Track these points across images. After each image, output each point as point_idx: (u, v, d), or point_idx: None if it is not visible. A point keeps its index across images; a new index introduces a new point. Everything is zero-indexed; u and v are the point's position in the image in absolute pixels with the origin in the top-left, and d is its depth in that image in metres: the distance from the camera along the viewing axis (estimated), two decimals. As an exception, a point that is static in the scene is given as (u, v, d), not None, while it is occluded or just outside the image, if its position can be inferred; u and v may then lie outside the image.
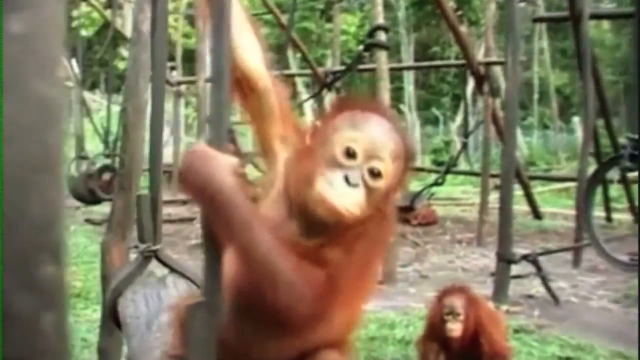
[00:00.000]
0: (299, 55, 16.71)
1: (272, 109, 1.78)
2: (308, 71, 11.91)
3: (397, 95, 25.10)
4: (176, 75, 15.11)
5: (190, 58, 14.96)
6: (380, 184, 1.60)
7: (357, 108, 1.70)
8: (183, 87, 14.20)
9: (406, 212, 10.41)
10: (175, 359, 1.76)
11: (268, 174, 1.80)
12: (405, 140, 1.69)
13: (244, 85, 1.75)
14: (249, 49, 1.76)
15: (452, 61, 16.50)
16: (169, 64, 23.10)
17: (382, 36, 6.66)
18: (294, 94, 21.11)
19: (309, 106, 19.94)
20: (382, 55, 6.61)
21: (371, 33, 6.74)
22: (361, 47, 7.81)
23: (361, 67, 10.27)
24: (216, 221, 1.48)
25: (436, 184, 10.66)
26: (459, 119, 22.58)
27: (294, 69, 17.42)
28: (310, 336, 1.60)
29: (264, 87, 1.76)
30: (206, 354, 1.48)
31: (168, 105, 17.75)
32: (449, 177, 11.98)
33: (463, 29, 11.16)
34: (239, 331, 1.62)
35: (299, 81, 22.44)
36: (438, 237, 9.64)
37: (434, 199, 11.91)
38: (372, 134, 1.62)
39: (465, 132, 11.14)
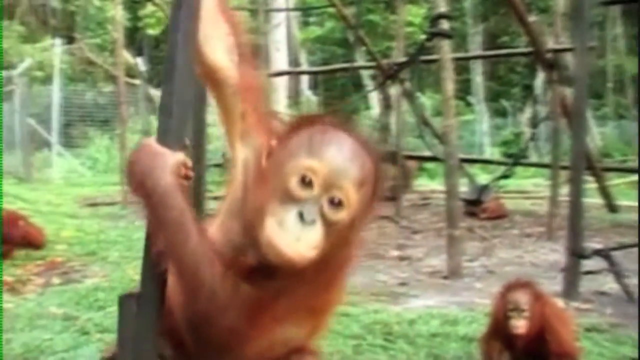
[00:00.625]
0: (364, 48, 16.57)
1: (233, 102, 1.71)
2: (373, 64, 11.76)
3: (465, 87, 24.69)
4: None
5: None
6: (343, 215, 1.47)
7: (316, 128, 1.55)
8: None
9: (474, 205, 10.20)
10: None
11: (231, 173, 1.73)
12: (373, 161, 1.55)
13: (210, 78, 1.72)
14: (216, 41, 1.71)
15: (519, 49, 16.01)
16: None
17: (445, 25, 6.49)
18: (359, 87, 21.09)
19: (375, 99, 19.93)
20: (445, 44, 6.44)
21: (434, 22, 6.59)
22: (424, 37, 7.67)
23: (426, 58, 10.09)
24: (150, 218, 1.43)
25: (505, 176, 10.41)
26: (529, 110, 22.01)
27: (359, 63, 17.29)
28: (243, 347, 1.52)
29: (229, 81, 1.71)
30: (135, 346, 1.46)
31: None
32: (519, 169, 11.68)
33: (532, 17, 10.79)
34: (188, 335, 1.58)
35: (364, 74, 22.35)
36: (507, 231, 9.38)
37: (503, 191, 11.65)
38: (331, 160, 1.47)
39: (534, 123, 10.85)
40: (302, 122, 1.61)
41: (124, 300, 1.50)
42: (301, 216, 1.43)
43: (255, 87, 1.76)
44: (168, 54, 1.60)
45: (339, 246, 1.51)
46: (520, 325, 3.40)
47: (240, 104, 1.71)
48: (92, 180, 17.62)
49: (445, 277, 6.44)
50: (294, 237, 1.42)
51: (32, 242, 7.47)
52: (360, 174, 1.48)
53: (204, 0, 1.65)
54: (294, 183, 1.44)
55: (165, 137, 1.52)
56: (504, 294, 3.53)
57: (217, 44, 1.71)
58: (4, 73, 20.58)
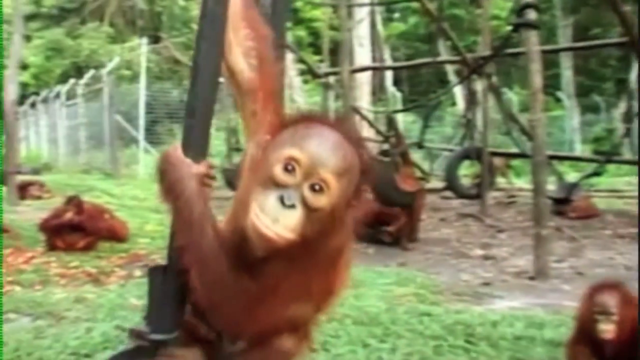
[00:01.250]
0: (448, 43, 16.25)
1: (247, 101, 1.92)
2: (457, 58, 11.50)
3: (554, 82, 23.93)
4: (323, 67, 15.17)
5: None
6: (323, 201, 1.58)
7: (303, 123, 1.70)
8: (332, 79, 14.19)
9: (562, 204, 9.83)
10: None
11: (247, 154, 1.92)
12: (357, 153, 1.67)
13: (229, 79, 1.94)
14: (235, 46, 1.92)
15: (611, 40, 15.29)
16: (317, 57, 23.35)
17: (532, 15, 6.22)
18: (444, 83, 20.74)
19: (460, 95, 19.56)
20: (532, 35, 6.18)
21: (520, 12, 6.32)
22: (509, 28, 7.40)
23: (512, 50, 9.77)
24: (176, 217, 1.68)
25: (595, 174, 9.99)
26: (622, 105, 21.11)
27: (444, 57, 16.99)
28: (248, 328, 1.73)
29: (244, 82, 1.91)
30: (162, 313, 1.72)
31: (316, 98, 17.97)
32: (611, 167, 11.19)
33: (627, 6, 10.29)
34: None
35: (449, 70, 21.99)
36: (597, 231, 8.97)
37: (594, 190, 11.19)
38: (312, 150, 1.59)
39: (628, 118, 10.35)
40: (294, 119, 1.77)
41: (153, 271, 1.78)
42: (282, 200, 1.56)
43: (268, 89, 1.92)
44: (193, 60, 1.85)
45: (325, 232, 1.63)
46: (608, 329, 3.17)
47: (252, 104, 1.90)
48: (177, 176, 17.96)
49: (531, 278, 6.21)
50: (272, 219, 1.56)
51: (116, 235, 7.66)
52: (340, 164, 1.60)
53: (230, 7, 1.87)
54: (277, 170, 1.58)
55: (189, 136, 1.77)
56: (591, 295, 3.29)
57: (236, 48, 1.91)
58: (94, 72, 21.32)
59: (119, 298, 5.22)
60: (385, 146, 8.63)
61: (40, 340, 4.20)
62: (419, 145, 8.44)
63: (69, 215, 7.08)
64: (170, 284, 1.73)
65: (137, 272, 6.36)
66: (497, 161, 13.97)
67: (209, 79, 1.83)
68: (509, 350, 3.94)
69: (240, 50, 1.92)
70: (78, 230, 7.12)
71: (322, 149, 1.60)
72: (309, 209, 1.57)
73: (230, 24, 1.89)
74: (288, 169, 1.57)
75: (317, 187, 1.57)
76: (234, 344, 1.80)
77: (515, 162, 15.83)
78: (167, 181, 1.67)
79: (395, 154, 8.31)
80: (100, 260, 6.82)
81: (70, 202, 7.29)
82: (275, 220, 1.55)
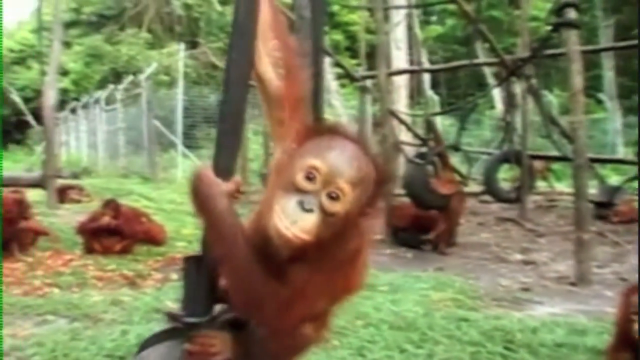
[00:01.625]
0: (486, 45, 16.05)
1: (275, 110, 2.01)
2: (495, 60, 11.33)
3: (596, 83, 23.50)
4: (361, 71, 15.10)
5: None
6: (338, 207, 1.71)
7: (325, 135, 1.84)
8: (369, 83, 14.10)
9: (604, 208, 9.61)
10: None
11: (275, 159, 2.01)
12: (372, 165, 1.80)
13: (259, 87, 2.03)
14: (264, 56, 2.01)
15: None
16: (354, 61, 23.30)
17: (572, 14, 6.09)
18: (482, 87, 20.50)
19: (498, 97, 19.32)
20: (572, 35, 6.04)
21: (559, 11, 6.19)
22: (548, 28, 7.25)
23: (552, 52, 9.60)
24: (209, 231, 1.79)
25: (638, 177, 9.70)
26: (666, 106, 20.64)
27: (482, 59, 16.79)
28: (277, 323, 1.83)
29: (272, 91, 2.00)
30: (196, 298, 1.86)
31: (353, 102, 17.91)
32: (656, 170, 10.88)
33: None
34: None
35: (487, 73, 21.74)
36: (641, 236, 8.73)
37: (638, 194, 10.90)
38: (331, 161, 1.73)
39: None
40: (318, 130, 1.90)
41: (188, 260, 1.90)
42: (302, 205, 1.70)
43: (294, 99, 2.02)
44: (225, 68, 1.94)
45: (340, 235, 1.76)
46: None
47: (279, 112, 2.00)
48: (215, 180, 18.04)
49: (572, 284, 6.08)
50: (292, 221, 1.69)
51: (153, 238, 7.70)
52: (356, 175, 1.74)
53: (259, 17, 1.98)
54: (299, 177, 1.71)
55: (222, 141, 1.90)
56: (626, 297, 3.19)
57: (265, 58, 2.00)
58: (132, 78, 21.57)
59: (155, 301, 5.24)
60: (423, 149, 8.54)
61: (76, 342, 4.23)
62: (455, 148, 8.33)
63: (106, 219, 7.14)
64: (203, 274, 1.87)
65: (174, 276, 6.37)
66: (538, 165, 13.74)
67: (240, 87, 1.94)
68: (549, 358, 3.85)
69: (269, 60, 2.02)
70: (115, 233, 7.17)
71: (340, 160, 1.74)
72: (325, 213, 1.71)
73: (260, 34, 1.99)
74: (309, 177, 1.71)
75: (333, 195, 1.71)
76: (260, 330, 1.92)
77: (556, 166, 15.56)
78: (200, 199, 1.79)
79: (432, 156, 8.23)
80: (137, 263, 6.86)
81: (107, 205, 7.34)
82: (294, 222, 1.69)
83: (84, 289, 5.79)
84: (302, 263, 1.78)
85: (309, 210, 1.70)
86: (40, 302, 5.24)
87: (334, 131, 1.88)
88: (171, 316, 1.93)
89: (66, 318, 4.91)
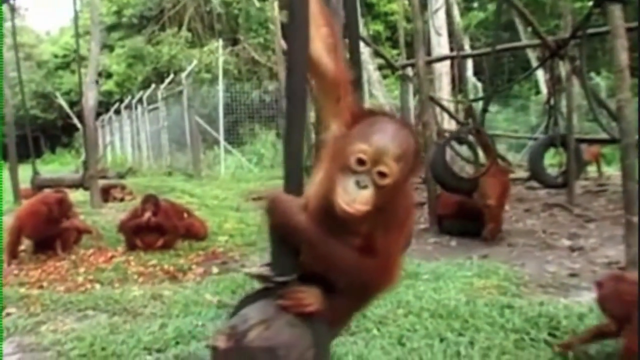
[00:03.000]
0: (530, 29, 15.67)
1: (331, 89, 2.24)
2: (537, 42, 11.03)
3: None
4: (401, 59, 14.92)
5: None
6: (387, 181, 2.02)
7: (369, 119, 2.12)
8: (410, 72, 13.90)
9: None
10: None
11: (322, 147, 2.27)
12: (410, 140, 2.09)
13: (314, 70, 2.24)
14: (318, 41, 2.24)
15: None
16: (395, 51, 23.06)
17: (615, -13, 5.84)
18: (527, 70, 20.05)
19: (541, 78, 18.85)
20: (615, 9, 5.80)
21: (602, -15, 5.94)
22: (591, 4, 7.00)
23: (597, 30, 9.30)
24: (292, 239, 2.11)
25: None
26: None
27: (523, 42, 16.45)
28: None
29: (329, 72, 2.25)
30: (283, 260, 2.15)
31: (396, 92, 17.72)
32: None
33: None
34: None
35: (532, 58, 21.28)
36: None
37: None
38: (377, 145, 2.02)
39: None
40: (362, 115, 2.18)
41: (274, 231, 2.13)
42: (357, 183, 2.02)
43: (348, 79, 2.29)
44: (288, 54, 2.24)
45: (389, 200, 2.08)
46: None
47: (336, 91, 2.24)
48: (258, 175, 18.15)
49: (622, 269, 5.83)
50: (351, 198, 2.01)
51: (195, 233, 7.72)
52: (398, 151, 2.04)
53: (310, 8, 2.21)
54: (352, 161, 2.02)
55: (291, 121, 2.18)
56: (601, 287, 3.44)
57: (320, 44, 2.24)
58: (174, 76, 21.75)
59: (195, 294, 5.23)
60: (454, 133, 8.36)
61: (115, 336, 4.26)
62: (477, 131, 8.07)
63: (145, 216, 7.17)
64: (288, 241, 2.13)
65: (215, 269, 6.37)
66: (590, 150, 13.39)
67: (302, 69, 2.18)
68: (597, 344, 3.66)
69: (324, 44, 2.25)
70: (156, 229, 7.19)
71: (383, 141, 2.03)
72: (377, 187, 2.02)
73: (312, 22, 2.22)
74: (360, 160, 2.00)
75: (382, 172, 2.01)
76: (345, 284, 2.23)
77: (607, 150, 15.14)
78: (277, 219, 2.11)
79: (464, 137, 8.12)
80: (178, 258, 6.88)
81: (146, 201, 7.37)
82: (354, 200, 2.00)
83: (125, 284, 5.83)
84: (366, 227, 2.12)
85: (364, 187, 2.01)
86: (82, 298, 5.29)
87: (376, 114, 2.18)
88: (262, 277, 2.20)
89: (106, 313, 4.95)
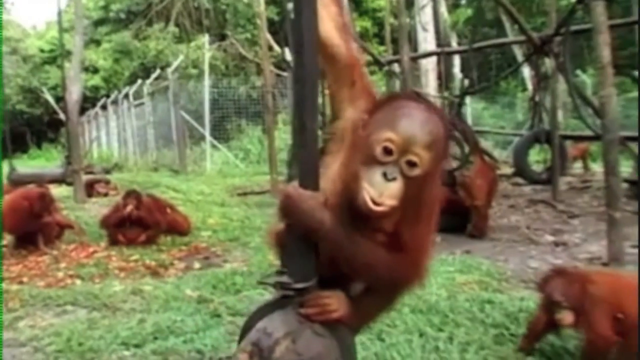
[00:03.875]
0: (516, 26, 15.72)
1: (344, 72, 2.07)
2: (522, 38, 11.06)
3: (632, 61, 22.87)
4: (386, 56, 14.91)
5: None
6: (418, 171, 1.85)
7: (394, 105, 1.95)
8: (396, 67, 13.89)
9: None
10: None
11: (338, 133, 2.07)
12: (439, 126, 1.91)
13: (325, 52, 2.05)
14: (329, 22, 2.06)
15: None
16: (382, 47, 23.07)
17: (597, -16, 5.85)
18: (511, 64, 20.13)
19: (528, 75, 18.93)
20: (598, 5, 5.81)
21: (585, -18, 5.96)
22: (574, 0, 7.02)
23: (581, 27, 9.33)
24: (322, 241, 1.92)
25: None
26: None
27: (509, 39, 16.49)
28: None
29: (341, 54, 2.07)
30: (302, 265, 1.96)
31: (384, 89, 17.69)
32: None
33: None
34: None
35: (519, 55, 21.34)
36: (681, 214, 8.44)
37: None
38: (405, 132, 1.85)
39: None
40: (385, 99, 2.02)
41: (290, 231, 1.95)
42: (385, 175, 1.84)
43: (360, 61, 2.14)
44: (296, 34, 1.98)
45: (419, 190, 1.90)
46: (564, 317, 3.32)
47: (350, 74, 2.07)
48: (244, 171, 18.13)
49: (604, 264, 5.86)
50: (378, 192, 1.83)
51: (177, 228, 7.69)
52: (428, 139, 1.86)
53: None
54: (378, 151, 1.85)
55: (303, 101, 1.97)
56: (543, 286, 3.47)
57: (330, 23, 2.07)
58: (160, 72, 21.67)
59: (175, 290, 5.21)
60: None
61: (92, 331, 4.24)
62: (453, 125, 8.06)
63: (127, 209, 7.13)
64: (306, 242, 1.94)
65: (197, 264, 6.35)
66: (578, 147, 13.46)
67: (313, 55, 1.97)
68: (576, 339, 3.66)
69: (334, 25, 2.09)
70: (138, 224, 7.15)
71: (412, 128, 1.85)
72: (407, 178, 1.85)
73: (322, 1, 2.05)
74: (387, 150, 1.83)
75: (412, 162, 1.84)
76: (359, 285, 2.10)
77: (594, 147, 15.20)
78: (297, 216, 1.91)
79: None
80: (160, 253, 6.86)
81: (128, 196, 7.34)
82: (381, 194, 1.83)
83: (106, 279, 5.80)
84: (393, 221, 1.95)
85: (393, 179, 1.84)
86: (61, 293, 5.25)
87: (400, 97, 2.02)
88: (281, 285, 2.00)
89: (85, 308, 4.91)
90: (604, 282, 3.36)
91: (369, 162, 1.87)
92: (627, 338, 3.21)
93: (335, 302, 2.00)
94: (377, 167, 1.86)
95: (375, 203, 1.84)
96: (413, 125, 1.87)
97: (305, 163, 1.97)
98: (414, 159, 1.84)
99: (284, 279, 1.98)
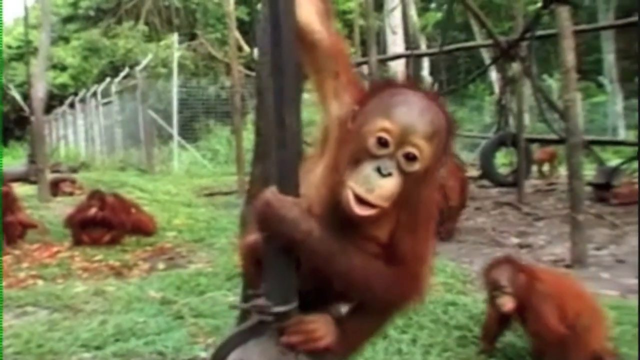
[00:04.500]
0: (484, 30, 15.86)
1: (327, 62, 1.83)
2: (489, 42, 11.18)
3: (597, 67, 23.30)
4: (354, 58, 14.92)
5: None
6: (417, 166, 1.62)
7: (388, 91, 1.71)
8: (364, 69, 13.91)
9: (603, 190, 9.46)
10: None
11: (321, 132, 1.85)
12: (441, 114, 1.69)
13: (304, 40, 1.82)
14: (308, 6, 1.83)
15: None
16: (353, 49, 23.10)
17: (563, -10, 5.96)
18: (482, 73, 20.36)
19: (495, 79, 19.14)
20: (563, 11, 5.90)
21: (550, -13, 6.06)
22: (539, 5, 7.12)
23: (546, 33, 9.45)
24: (308, 255, 1.66)
25: (637, 157, 9.53)
26: (667, 88, 20.43)
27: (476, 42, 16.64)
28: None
29: (322, 42, 1.83)
30: (281, 286, 1.70)
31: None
32: (658, 151, 10.67)
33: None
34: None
35: (487, 58, 21.56)
36: (640, 217, 8.56)
37: (638, 175, 10.74)
38: (403, 121, 1.62)
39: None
40: (377, 87, 1.77)
41: (268, 248, 1.69)
42: (379, 170, 1.59)
43: (344, 50, 1.90)
44: (272, 19, 1.72)
45: (417, 190, 1.68)
46: (505, 302, 3.34)
47: (333, 64, 1.82)
48: (212, 171, 18.07)
49: (568, 266, 5.94)
50: (368, 190, 1.59)
51: (142, 228, 7.62)
52: (429, 128, 1.63)
53: None
54: (371, 143, 1.61)
55: (282, 92, 1.71)
56: (484, 276, 3.50)
57: (309, 7, 1.83)
58: (129, 70, 21.48)
59: (138, 290, 5.17)
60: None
61: (53, 333, 4.18)
62: None
63: (92, 211, 7.05)
64: (286, 257, 1.69)
65: (161, 265, 6.31)
66: (546, 150, 13.62)
67: (290, 41, 1.74)
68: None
69: (314, 9, 1.85)
70: (102, 224, 7.08)
71: (410, 116, 1.63)
72: (404, 174, 1.61)
73: None
74: (382, 141, 1.60)
75: (411, 155, 1.61)
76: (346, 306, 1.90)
77: (562, 151, 15.41)
78: (282, 226, 1.64)
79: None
80: (124, 254, 6.80)
81: (92, 197, 7.26)
82: (372, 191, 1.58)
83: (69, 280, 5.75)
84: (388, 227, 1.73)
85: (388, 175, 1.60)
86: (22, 294, 5.18)
87: (395, 84, 1.78)
88: (258, 309, 1.74)
89: (47, 309, 4.85)
90: (549, 281, 3.41)
91: (360, 158, 1.63)
92: (566, 340, 3.26)
93: (322, 328, 1.76)
94: (369, 161, 1.61)
95: (361, 202, 1.59)
96: (412, 112, 1.64)
97: (284, 164, 1.71)
98: (414, 151, 1.61)
99: (261, 301, 1.72)
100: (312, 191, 1.76)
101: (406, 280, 1.75)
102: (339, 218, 1.65)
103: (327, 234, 1.65)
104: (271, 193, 1.67)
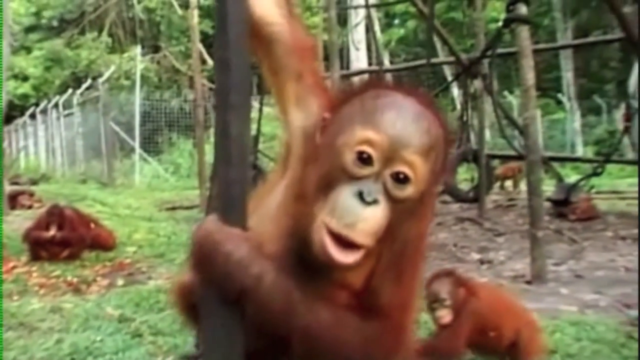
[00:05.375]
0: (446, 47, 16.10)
1: (287, 61, 1.51)
2: (452, 59, 11.33)
3: (556, 84, 23.75)
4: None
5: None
6: (410, 191, 1.25)
7: (369, 92, 1.34)
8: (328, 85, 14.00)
9: (562, 205, 9.60)
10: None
11: (284, 148, 1.52)
12: (438, 122, 1.33)
13: (258, 34, 1.50)
14: None
15: (607, 37, 14.85)
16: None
17: (522, 9, 6.05)
18: (445, 89, 20.60)
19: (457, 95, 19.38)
20: (523, 30, 6.00)
21: (510, 6, 6.14)
22: (500, 24, 7.22)
23: (507, 50, 9.58)
24: (260, 306, 1.27)
25: (594, 174, 9.71)
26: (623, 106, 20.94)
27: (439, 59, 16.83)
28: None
29: (280, 37, 1.51)
30: (224, 351, 1.32)
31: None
32: (614, 168, 10.93)
33: (627, 8, 10.12)
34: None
35: (449, 74, 21.82)
36: (598, 233, 8.70)
37: (596, 192, 10.95)
38: (391, 130, 1.25)
39: (627, 116, 10.13)
40: (356, 89, 1.40)
41: (207, 309, 1.33)
42: (361, 196, 1.22)
43: (310, 47, 1.57)
44: (218, 4, 1.39)
45: (408, 222, 1.31)
46: (442, 315, 3.33)
47: (295, 63, 1.50)
48: (174, 185, 17.95)
49: (528, 282, 6.00)
50: (348, 225, 1.22)
51: (102, 244, 7.51)
52: (425, 140, 1.27)
53: None
54: (349, 160, 1.24)
55: (227, 93, 1.35)
56: (425, 288, 3.45)
57: None
58: (91, 82, 21.26)
59: (96, 308, 5.06)
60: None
61: (6, 352, 4.08)
62: None
63: (51, 231, 6.90)
64: (229, 312, 1.31)
65: (120, 281, 6.21)
66: (510, 166, 13.82)
67: (240, 25, 1.39)
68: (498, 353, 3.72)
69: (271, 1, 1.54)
70: (61, 240, 6.95)
71: (401, 124, 1.26)
72: (393, 201, 1.25)
73: None
74: (363, 157, 1.23)
75: (402, 176, 1.25)
76: None
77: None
78: (225, 270, 1.27)
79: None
80: (83, 269, 6.68)
81: (51, 212, 7.12)
82: (353, 225, 1.22)
83: (25, 296, 5.60)
84: (366, 269, 1.35)
85: (373, 202, 1.23)
86: (2, 307, 5.03)
87: (378, 84, 1.41)
88: None
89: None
90: (485, 297, 3.43)
91: (334, 180, 1.25)
92: (503, 354, 3.36)
93: None
94: (347, 186, 1.24)
95: (341, 243, 1.22)
96: (403, 119, 1.27)
97: (229, 186, 1.33)
98: (405, 170, 1.25)
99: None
100: (267, 223, 1.41)
101: (387, 336, 1.36)
102: (302, 259, 1.32)
103: (285, 279, 1.28)
104: (212, 223, 1.31)
